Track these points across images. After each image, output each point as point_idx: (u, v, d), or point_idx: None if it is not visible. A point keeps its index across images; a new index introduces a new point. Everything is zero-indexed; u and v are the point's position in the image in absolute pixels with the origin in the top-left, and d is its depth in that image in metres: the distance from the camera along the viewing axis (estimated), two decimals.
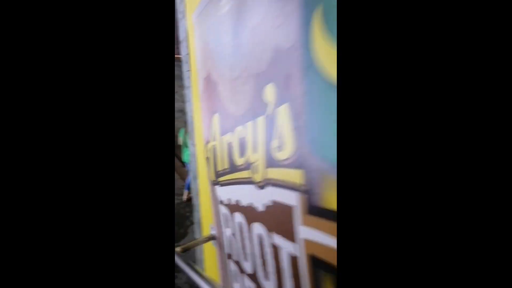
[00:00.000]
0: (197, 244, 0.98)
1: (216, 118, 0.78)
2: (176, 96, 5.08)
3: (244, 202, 0.69)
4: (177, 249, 0.91)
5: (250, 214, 0.67)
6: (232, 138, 0.70)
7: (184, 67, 1.10)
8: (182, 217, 2.06)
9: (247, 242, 0.71)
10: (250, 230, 0.69)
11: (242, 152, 0.66)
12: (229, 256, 0.86)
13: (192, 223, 2.00)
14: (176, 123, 5.16)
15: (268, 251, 0.60)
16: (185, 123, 5.20)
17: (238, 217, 0.74)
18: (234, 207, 0.76)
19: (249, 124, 0.60)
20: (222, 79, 0.70)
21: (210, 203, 0.98)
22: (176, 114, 5.11)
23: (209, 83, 0.79)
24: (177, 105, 5.13)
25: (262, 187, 0.59)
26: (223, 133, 0.75)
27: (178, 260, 0.84)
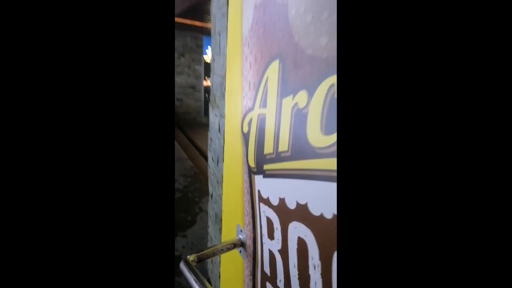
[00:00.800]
0: (217, 252, 0.71)
1: (273, 68, 0.48)
2: (188, 71, 4.71)
3: (320, 210, 0.41)
4: (190, 257, 0.64)
5: (332, 231, 0.39)
6: (308, 99, 0.40)
7: (214, 5, 0.79)
8: (190, 202, 1.81)
9: (315, 273, 0.43)
10: (325, 256, 0.41)
11: (331, 126, 0.36)
12: (269, 279, 0.59)
13: (201, 210, 1.75)
14: (186, 100, 4.83)
15: None
16: (196, 101, 4.87)
17: (300, 231, 0.46)
18: (290, 213, 0.48)
19: None
20: None
21: (241, 197, 0.71)
22: (187, 90, 4.75)
23: (266, 11, 0.49)
24: (188, 80, 4.76)
25: None
26: (287, 93, 0.45)
27: (185, 270, 0.58)
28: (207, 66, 4.62)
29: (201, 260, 0.66)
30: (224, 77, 0.76)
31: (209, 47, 4.72)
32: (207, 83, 4.83)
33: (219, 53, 0.77)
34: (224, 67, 0.75)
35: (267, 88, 0.51)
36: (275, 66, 0.48)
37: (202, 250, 0.67)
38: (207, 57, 4.62)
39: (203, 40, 4.62)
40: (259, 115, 0.55)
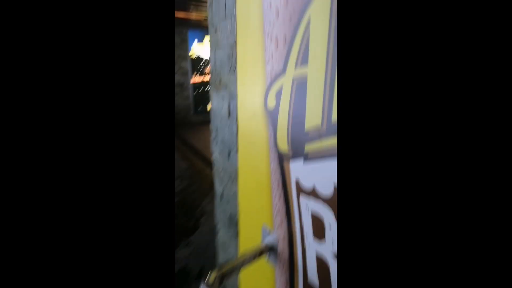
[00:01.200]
0: (240, 265, 0.57)
1: (321, 1, 0.35)
2: (174, 69, 4.49)
3: None
4: (211, 276, 0.51)
5: None
6: None
7: None
8: (190, 206, 1.65)
9: None
10: None
11: None
12: None
13: (204, 212, 1.60)
14: (175, 98, 4.59)
15: None
16: (184, 99, 4.63)
17: None
18: None
19: None
20: None
21: (268, 192, 0.57)
22: (175, 89, 4.52)
23: None
24: (175, 78, 4.52)
25: None
26: None
27: None
28: (194, 62, 4.40)
29: (224, 278, 0.52)
30: (234, 46, 0.61)
31: (195, 40, 4.49)
32: (194, 80, 4.63)
33: (225, 16, 0.63)
34: (233, 33, 0.60)
35: (309, 36, 0.37)
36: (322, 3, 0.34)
37: (223, 265, 0.53)
38: (193, 52, 4.40)
39: (188, 34, 4.38)
40: (295, 79, 0.41)
